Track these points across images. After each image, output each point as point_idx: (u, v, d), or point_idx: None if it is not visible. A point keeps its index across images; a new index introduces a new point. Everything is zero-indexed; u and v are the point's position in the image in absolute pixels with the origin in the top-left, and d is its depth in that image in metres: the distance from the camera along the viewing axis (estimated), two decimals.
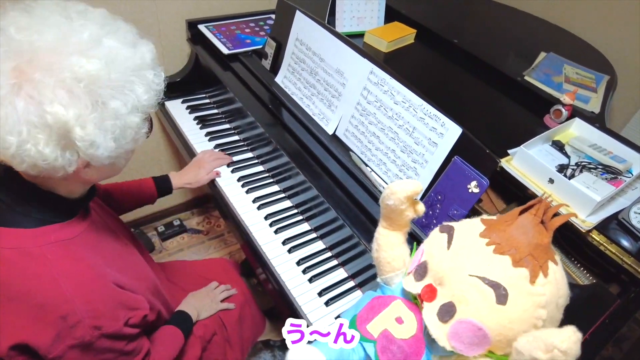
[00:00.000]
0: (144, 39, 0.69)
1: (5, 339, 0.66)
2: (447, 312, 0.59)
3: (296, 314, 1.02)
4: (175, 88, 1.58)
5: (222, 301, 1.21)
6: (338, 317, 1.00)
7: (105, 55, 0.61)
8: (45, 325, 0.66)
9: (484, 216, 0.67)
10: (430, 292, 0.61)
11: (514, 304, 0.56)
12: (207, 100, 1.60)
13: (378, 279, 0.77)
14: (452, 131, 0.91)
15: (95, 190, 0.80)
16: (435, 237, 0.66)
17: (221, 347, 1.17)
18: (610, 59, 1.51)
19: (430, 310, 0.61)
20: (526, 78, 1.33)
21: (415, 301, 0.68)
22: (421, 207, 0.73)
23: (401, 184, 0.68)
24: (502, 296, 0.56)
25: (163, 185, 1.23)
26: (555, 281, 0.58)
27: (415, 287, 0.64)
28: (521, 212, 0.63)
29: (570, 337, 0.50)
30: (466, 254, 0.61)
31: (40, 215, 0.69)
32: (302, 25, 1.22)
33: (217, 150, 1.37)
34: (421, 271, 0.64)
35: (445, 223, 0.68)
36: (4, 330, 0.66)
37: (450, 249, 0.62)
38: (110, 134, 0.63)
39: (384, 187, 1.05)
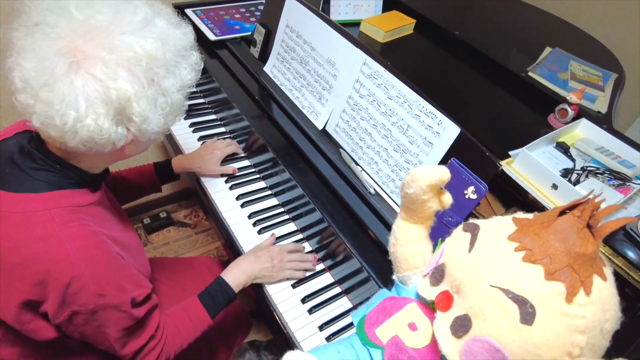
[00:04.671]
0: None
1: (13, 300, 0.67)
2: (461, 326, 0.50)
3: (276, 322, 0.95)
4: None
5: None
6: (327, 323, 0.93)
7: (159, 36, 0.65)
8: (50, 291, 0.65)
9: (518, 214, 0.56)
10: (446, 301, 0.52)
11: (542, 325, 0.46)
12: (194, 89, 1.52)
13: (394, 277, 0.68)
14: (449, 130, 0.83)
15: (108, 170, 0.82)
16: (457, 237, 0.57)
17: (203, 350, 1.11)
18: (617, 55, 1.44)
19: (442, 321, 0.52)
20: (530, 74, 1.26)
21: (433, 306, 0.58)
22: (448, 198, 0.62)
23: (425, 169, 0.57)
24: (527, 314, 0.46)
25: (164, 169, 1.16)
26: (600, 301, 0.47)
27: (430, 293, 0.55)
28: (561, 213, 0.51)
29: None
30: (489, 259, 0.51)
31: (54, 180, 0.69)
32: (293, 12, 1.14)
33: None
34: (438, 275, 0.55)
35: (470, 221, 0.57)
36: (10, 295, 0.67)
37: (472, 252, 0.53)
38: (160, 110, 0.67)
39: (374, 188, 0.97)
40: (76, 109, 0.60)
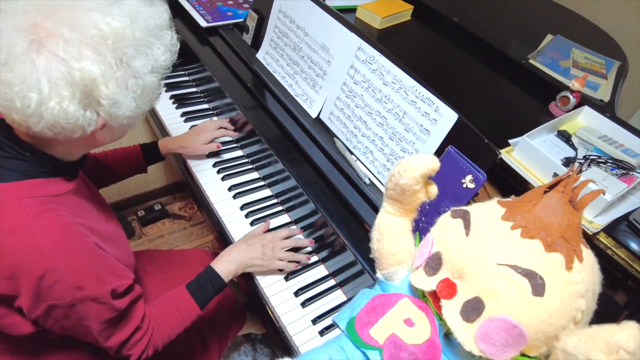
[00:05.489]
0: None
1: None
2: (473, 309, 0.50)
3: (269, 315, 0.93)
4: None
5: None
6: (315, 323, 0.91)
7: (128, 13, 0.61)
8: (23, 286, 0.62)
9: (499, 198, 0.58)
10: (449, 288, 0.52)
11: (552, 294, 0.48)
12: (187, 78, 1.48)
13: (378, 274, 0.67)
14: (446, 117, 0.80)
15: (86, 157, 0.78)
16: (447, 224, 0.57)
17: (196, 344, 1.09)
18: (620, 43, 1.40)
19: (451, 309, 0.52)
20: (531, 61, 1.22)
21: (425, 299, 0.59)
22: (434, 189, 0.62)
23: (417, 159, 0.57)
24: (539, 286, 0.48)
25: (150, 150, 1.13)
26: (590, 266, 0.51)
27: (428, 283, 0.55)
28: (545, 191, 0.55)
29: (637, 335, 0.42)
30: (491, 239, 0.52)
31: (24, 168, 0.66)
32: None
33: None
34: (434, 264, 0.55)
35: (456, 208, 0.58)
36: None
37: (470, 235, 0.54)
38: (131, 93, 0.63)
39: (369, 178, 0.94)
40: (39, 91, 0.56)
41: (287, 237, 0.99)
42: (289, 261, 0.96)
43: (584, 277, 0.50)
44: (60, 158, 0.70)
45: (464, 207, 0.57)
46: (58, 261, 0.62)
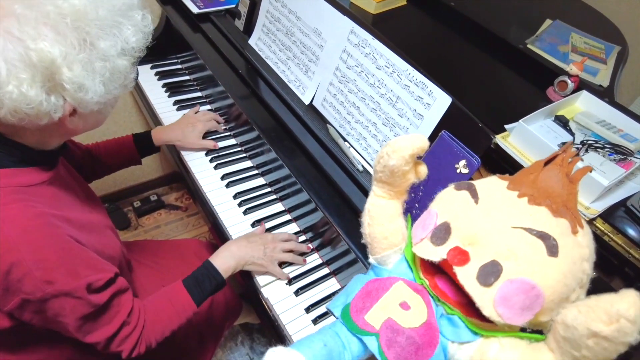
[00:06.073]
0: None
1: None
2: (491, 272, 0.49)
3: (262, 303, 0.92)
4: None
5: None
6: (308, 310, 0.90)
7: None
8: None
9: (498, 175, 0.60)
10: (461, 254, 0.52)
11: (564, 255, 0.49)
12: (179, 66, 1.46)
13: (370, 259, 0.65)
14: (440, 101, 0.78)
15: (66, 146, 0.75)
16: (452, 196, 0.58)
17: (189, 334, 1.08)
18: (620, 29, 1.37)
19: (466, 275, 0.51)
20: (529, 46, 1.19)
21: (420, 281, 0.58)
22: (424, 169, 0.61)
23: (406, 139, 0.56)
24: (553, 247, 0.49)
25: (143, 141, 1.10)
26: (589, 233, 0.53)
27: (437, 253, 0.53)
28: (545, 165, 0.57)
29: (637, 303, 0.42)
30: (502, 205, 0.54)
31: None
32: None
33: None
34: (441, 234, 0.54)
35: (459, 182, 0.59)
36: None
37: (480, 203, 0.55)
38: (99, 77, 0.60)
39: (362, 165, 0.93)
40: None
41: (287, 240, 0.97)
42: (285, 263, 0.95)
43: (587, 242, 0.52)
44: (33, 147, 0.67)
45: (467, 181, 0.58)
46: (25, 254, 0.60)
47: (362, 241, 0.66)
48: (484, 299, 0.49)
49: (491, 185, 0.57)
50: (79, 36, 0.57)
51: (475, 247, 0.52)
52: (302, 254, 0.98)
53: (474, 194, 0.55)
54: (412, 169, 0.59)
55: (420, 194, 0.78)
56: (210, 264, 0.88)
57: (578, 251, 0.50)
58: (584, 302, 0.46)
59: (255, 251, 0.91)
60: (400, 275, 0.60)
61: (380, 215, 0.62)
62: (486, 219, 0.53)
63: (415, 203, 0.77)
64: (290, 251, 0.96)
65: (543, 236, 0.49)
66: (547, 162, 0.57)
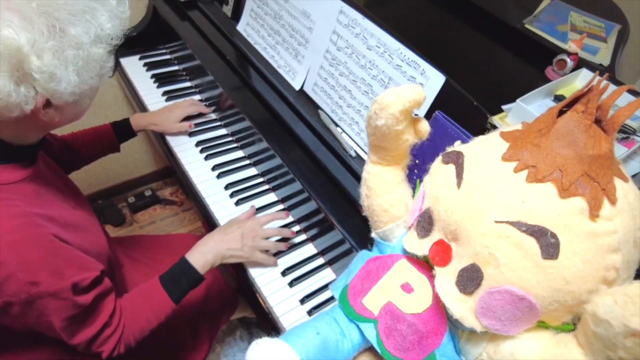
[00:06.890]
0: None
1: None
2: (470, 279, 0.41)
3: (255, 296, 0.89)
4: (132, 44, 1.39)
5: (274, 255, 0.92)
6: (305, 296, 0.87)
7: None
8: None
9: (505, 128, 0.47)
10: (443, 252, 0.44)
11: (570, 254, 0.37)
12: (168, 57, 1.43)
13: (373, 234, 0.58)
14: (433, 80, 0.75)
15: (45, 140, 0.72)
16: (437, 172, 0.47)
17: (184, 330, 1.06)
18: (621, 7, 1.33)
19: (445, 278, 0.43)
20: (527, 26, 1.16)
21: (426, 259, 0.48)
22: (424, 126, 0.51)
23: (394, 92, 0.46)
24: (550, 246, 0.37)
25: (122, 127, 1.08)
26: (628, 207, 0.39)
27: (421, 247, 0.46)
28: (560, 113, 0.41)
29: None
30: (487, 190, 0.41)
31: None
32: None
33: None
34: (425, 223, 0.46)
35: (449, 148, 0.47)
36: None
37: (462, 186, 0.43)
38: (72, 65, 0.56)
39: (355, 150, 0.90)
40: None
41: (269, 222, 0.92)
42: (269, 251, 0.91)
43: (618, 224, 0.38)
44: (10, 142, 0.64)
45: (458, 148, 0.47)
46: (8, 255, 0.57)
47: (363, 214, 0.59)
48: (463, 309, 0.42)
49: (485, 153, 0.45)
50: (48, 22, 0.53)
51: (458, 243, 0.43)
52: (287, 239, 0.95)
53: (460, 171, 0.44)
54: (409, 128, 0.49)
55: (415, 177, 0.74)
56: (185, 260, 0.84)
57: (595, 244, 0.38)
58: (622, 289, 0.35)
59: (233, 243, 0.87)
60: (404, 251, 0.52)
61: (378, 185, 0.54)
62: (466, 209, 0.42)
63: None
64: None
65: (537, 232, 0.38)
66: (563, 109, 0.42)
